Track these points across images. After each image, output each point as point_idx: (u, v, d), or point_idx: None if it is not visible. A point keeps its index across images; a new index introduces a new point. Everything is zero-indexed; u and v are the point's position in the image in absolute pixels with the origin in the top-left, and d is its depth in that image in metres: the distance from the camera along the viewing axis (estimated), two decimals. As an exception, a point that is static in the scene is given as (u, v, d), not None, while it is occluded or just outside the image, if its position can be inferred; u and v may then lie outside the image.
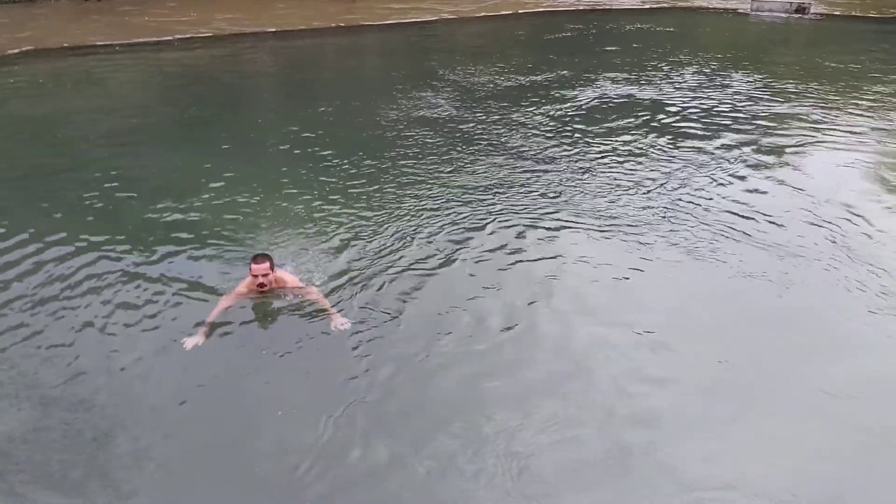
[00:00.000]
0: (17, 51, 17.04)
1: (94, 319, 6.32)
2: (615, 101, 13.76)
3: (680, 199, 8.98)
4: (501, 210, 8.58)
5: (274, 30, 20.84)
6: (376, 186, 9.26)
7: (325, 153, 10.53)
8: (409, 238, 7.86)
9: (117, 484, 4.73)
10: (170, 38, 19.14)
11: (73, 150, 10.80)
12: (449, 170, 9.94)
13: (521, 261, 7.48)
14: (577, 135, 11.56)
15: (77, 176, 9.66)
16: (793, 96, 14.36)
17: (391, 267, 7.22)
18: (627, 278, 7.18)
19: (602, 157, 10.52)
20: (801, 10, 25.76)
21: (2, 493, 4.62)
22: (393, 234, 7.92)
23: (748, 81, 15.59)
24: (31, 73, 15.52)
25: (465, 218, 8.35)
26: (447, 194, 9.04)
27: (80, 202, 8.72)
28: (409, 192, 9.11)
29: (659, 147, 11.03)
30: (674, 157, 10.60)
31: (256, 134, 11.70)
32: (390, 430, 5.18)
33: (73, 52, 17.41)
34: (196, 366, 5.79)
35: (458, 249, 7.64)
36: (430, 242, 7.77)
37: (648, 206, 8.75)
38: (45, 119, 12.29)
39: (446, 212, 8.52)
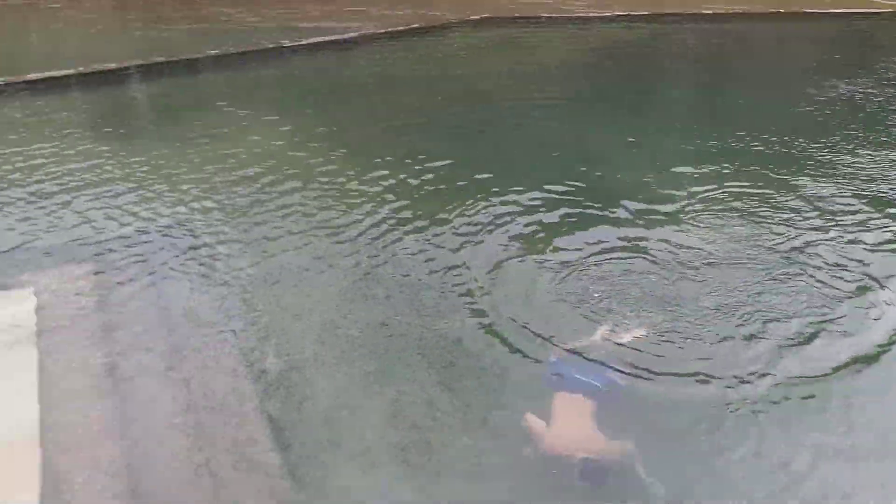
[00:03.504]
0: (478, 17, 19.76)
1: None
2: None
3: None
4: None
5: (707, 12, 21.08)
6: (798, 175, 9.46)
7: (747, 137, 10.89)
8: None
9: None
10: (609, 13, 20.53)
11: (498, 109, 12.59)
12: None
13: None
14: None
15: (511, 134, 11.32)
16: None
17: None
18: None
19: None
20: None
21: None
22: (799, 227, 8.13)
23: None
24: (477, 39, 18.05)
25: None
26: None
27: (507, 159, 10.28)
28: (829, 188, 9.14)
29: None
30: None
31: (674, 112, 12.48)
32: None
33: (507, 22, 19.73)
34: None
35: None
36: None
37: None
38: (478, 79, 14.36)
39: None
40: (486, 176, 9.54)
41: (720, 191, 9.03)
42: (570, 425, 5.18)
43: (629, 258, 7.42)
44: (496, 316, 6.53)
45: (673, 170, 9.76)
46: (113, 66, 14.48)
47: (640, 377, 5.72)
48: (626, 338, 6.15)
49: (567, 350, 5.97)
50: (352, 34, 17.48)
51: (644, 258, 7.42)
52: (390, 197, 8.95)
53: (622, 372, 5.74)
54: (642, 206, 8.63)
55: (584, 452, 4.90)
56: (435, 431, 5.32)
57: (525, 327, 6.30)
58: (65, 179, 9.41)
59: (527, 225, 8.18)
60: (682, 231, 8.01)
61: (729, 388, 5.66)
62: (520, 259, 7.49)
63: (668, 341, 6.12)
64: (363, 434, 5.32)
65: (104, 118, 12.30)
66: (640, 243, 7.74)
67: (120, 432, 5.06)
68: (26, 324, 5.91)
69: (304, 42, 16.58)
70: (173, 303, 6.70)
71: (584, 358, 5.88)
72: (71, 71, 14.02)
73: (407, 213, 8.53)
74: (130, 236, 7.92)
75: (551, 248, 7.67)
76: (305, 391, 5.70)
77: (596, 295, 6.75)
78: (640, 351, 5.98)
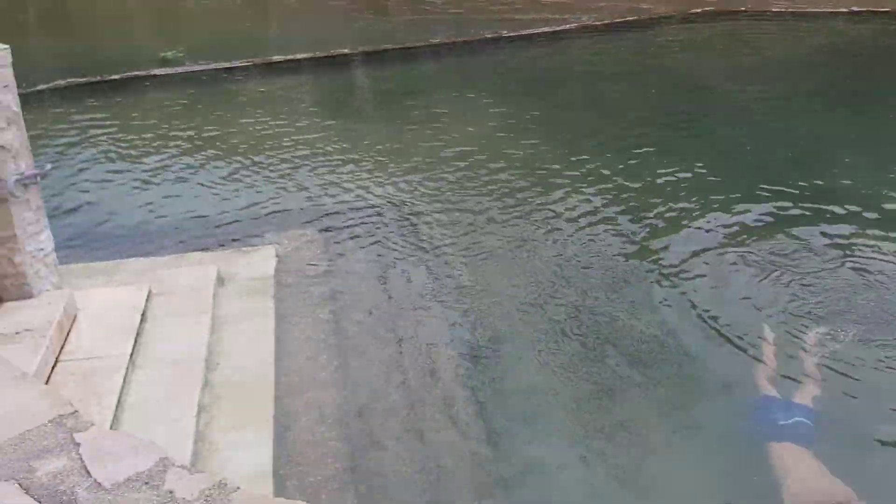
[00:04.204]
0: (698, 10, 19.15)
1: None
2: None
3: None
4: None
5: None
6: None
7: None
8: None
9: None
10: (843, 9, 19.16)
11: (713, 103, 12.23)
12: None
13: None
14: None
15: (727, 131, 10.98)
16: None
17: None
18: None
19: None
20: None
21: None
22: None
23: None
24: (694, 32, 17.51)
25: None
26: None
27: (718, 153, 10.01)
28: None
29: None
30: None
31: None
32: None
33: (728, 16, 18.92)
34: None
35: None
36: None
37: None
38: (694, 73, 14.00)
39: None
40: (694, 169, 9.39)
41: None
42: (808, 474, 4.79)
43: (842, 266, 7.03)
44: (694, 314, 6.48)
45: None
46: (345, 51, 15.57)
47: (857, 412, 5.34)
48: (836, 361, 5.73)
49: (772, 375, 5.74)
50: (568, 25, 17.58)
51: (858, 268, 6.99)
52: (595, 185, 9.04)
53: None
54: (863, 210, 8.13)
55: None
56: (631, 417, 5.42)
57: (725, 333, 6.20)
58: (298, 152, 10.35)
59: (732, 224, 7.99)
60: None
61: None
62: (722, 254, 7.37)
63: (890, 368, 5.70)
64: (558, 413, 5.52)
65: (333, 98, 13.31)
66: (856, 251, 7.31)
67: (341, 382, 5.60)
68: (267, 278, 6.65)
69: (521, 32, 16.91)
70: (390, 270, 7.25)
71: (794, 381, 5.59)
72: (307, 55, 15.25)
73: (610, 203, 8.60)
74: (353, 207, 8.61)
75: (757, 247, 7.45)
76: (504, 366, 5.99)
77: (805, 308, 6.46)
78: (856, 380, 5.59)
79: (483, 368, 5.92)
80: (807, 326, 6.18)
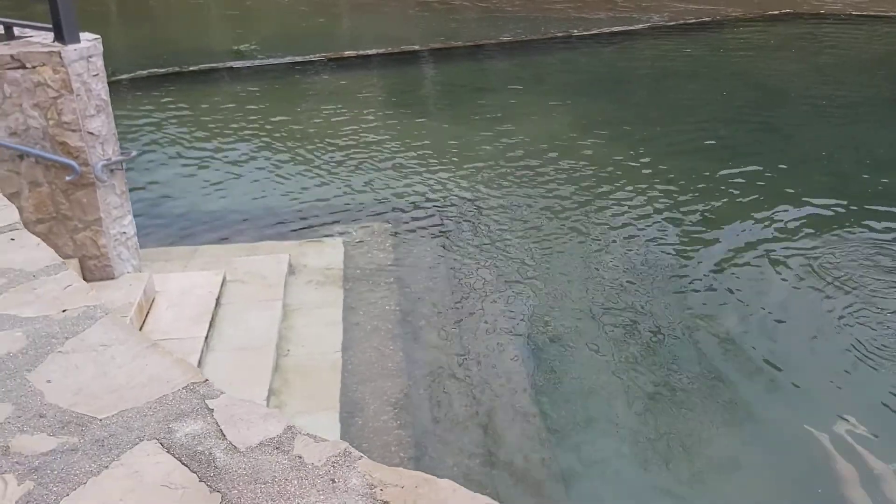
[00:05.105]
0: (776, 12, 18.75)
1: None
2: None
3: None
4: None
5: None
6: None
7: None
8: None
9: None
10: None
11: (788, 106, 11.94)
12: None
13: None
14: None
15: (800, 133, 10.75)
16: None
17: None
18: None
19: None
20: None
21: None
22: None
23: None
24: (770, 34, 17.11)
25: None
26: None
27: (791, 157, 9.78)
28: None
29: None
30: None
31: None
32: None
33: (806, 18, 18.43)
34: None
35: None
36: None
37: None
38: (769, 75, 13.70)
39: None
40: (765, 173, 9.23)
41: None
42: None
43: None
44: (761, 323, 6.39)
45: None
46: (415, 47, 15.71)
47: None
48: None
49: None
50: (639, 25, 17.40)
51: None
52: (662, 186, 8.96)
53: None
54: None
55: None
56: (692, 425, 5.37)
57: (793, 344, 6.09)
58: (367, 146, 10.50)
59: (803, 231, 7.84)
60: None
61: None
62: (793, 263, 7.23)
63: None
64: (618, 415, 5.50)
65: (403, 94, 13.45)
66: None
67: (406, 372, 5.70)
68: (336, 268, 6.79)
69: (591, 31, 16.81)
70: (454, 265, 7.31)
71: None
72: (378, 50, 15.44)
73: (677, 204, 8.52)
74: (420, 201, 8.71)
75: (830, 256, 7.29)
76: (566, 364, 5.99)
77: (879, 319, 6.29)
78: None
79: (545, 366, 5.94)
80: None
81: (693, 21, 17.87)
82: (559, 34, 16.73)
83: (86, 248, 5.67)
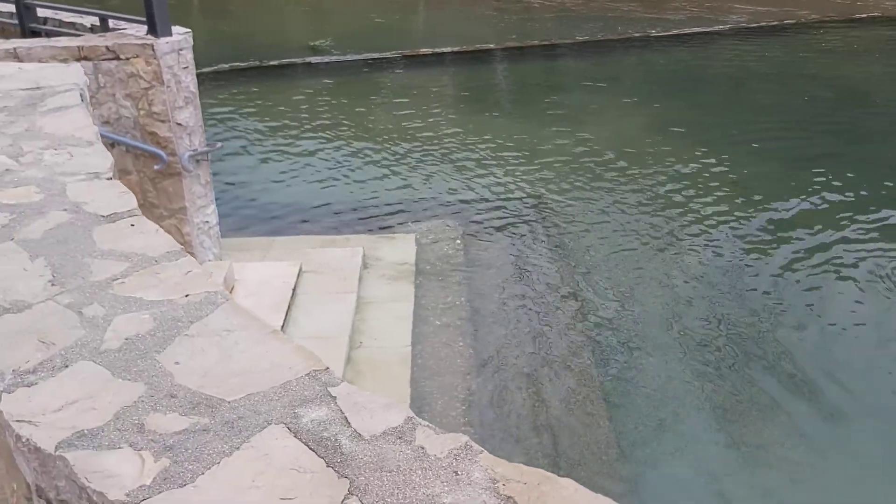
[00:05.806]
0: (864, 15, 18.10)
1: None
2: None
3: None
4: None
5: None
6: None
7: None
8: None
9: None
10: None
11: (871, 112, 11.62)
12: None
13: None
14: None
15: (873, 138, 10.45)
16: None
17: None
18: None
19: None
20: None
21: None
22: None
23: None
24: (853, 38, 16.53)
25: None
26: None
27: (873, 165, 9.48)
28: None
29: None
30: None
31: None
32: None
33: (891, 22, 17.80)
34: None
35: None
36: None
37: None
38: (852, 80, 13.33)
39: None
40: (846, 181, 8.93)
41: None
42: None
43: None
44: (837, 335, 6.20)
45: None
46: (490, 46, 15.71)
47: None
48: None
49: None
50: (719, 27, 17.03)
51: None
52: (739, 190, 8.80)
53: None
54: None
55: None
56: (763, 436, 5.25)
57: (872, 357, 5.90)
58: (440, 143, 10.56)
59: (885, 243, 7.55)
60: None
61: None
62: (872, 275, 7.00)
63: None
64: (690, 423, 5.41)
65: (477, 93, 13.46)
66: None
67: (475, 370, 5.72)
68: (409, 263, 6.86)
69: (670, 32, 16.54)
70: (525, 264, 7.30)
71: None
72: (452, 48, 15.49)
73: (755, 211, 8.34)
74: (492, 200, 8.72)
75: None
76: (637, 370, 5.92)
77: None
78: None
79: (615, 370, 5.88)
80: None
81: (776, 23, 17.39)
82: (636, 34, 16.50)
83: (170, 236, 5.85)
